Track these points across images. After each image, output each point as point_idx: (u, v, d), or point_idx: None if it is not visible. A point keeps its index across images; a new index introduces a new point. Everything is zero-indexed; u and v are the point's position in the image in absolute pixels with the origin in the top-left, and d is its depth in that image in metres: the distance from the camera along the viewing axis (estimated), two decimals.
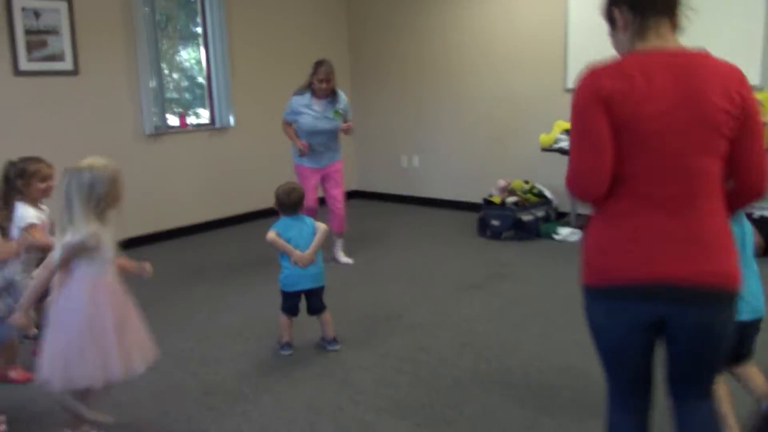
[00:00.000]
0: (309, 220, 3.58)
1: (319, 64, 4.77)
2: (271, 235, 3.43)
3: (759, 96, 4.93)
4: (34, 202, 3.19)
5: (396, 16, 7.08)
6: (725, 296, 1.71)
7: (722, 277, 1.70)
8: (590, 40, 5.76)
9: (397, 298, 4.27)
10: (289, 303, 3.50)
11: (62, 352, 2.38)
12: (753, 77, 5.06)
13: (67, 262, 2.43)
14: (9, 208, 3.15)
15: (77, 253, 2.42)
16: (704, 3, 5.43)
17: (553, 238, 5.62)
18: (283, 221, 3.52)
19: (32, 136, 5.06)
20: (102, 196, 2.49)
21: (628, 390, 1.87)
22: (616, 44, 1.88)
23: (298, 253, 3.42)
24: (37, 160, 3.25)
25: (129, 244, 5.72)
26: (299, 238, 3.46)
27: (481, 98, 6.52)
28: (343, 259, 5.09)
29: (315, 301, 3.53)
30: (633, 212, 1.71)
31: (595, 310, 1.85)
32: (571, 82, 5.91)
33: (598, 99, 1.69)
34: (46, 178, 3.21)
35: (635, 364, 1.82)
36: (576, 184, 1.78)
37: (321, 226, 3.52)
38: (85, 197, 2.43)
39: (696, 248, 1.68)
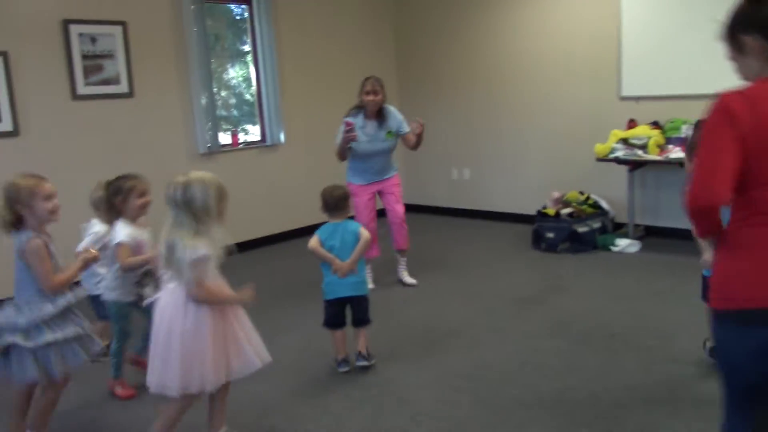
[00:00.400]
0: (353, 225, 3.51)
1: (366, 78, 4.75)
2: (313, 242, 3.42)
3: None
4: (133, 219, 3.24)
5: (444, 27, 7.04)
6: None
7: None
8: (644, 48, 5.66)
9: (454, 314, 4.20)
10: (330, 312, 3.46)
11: (176, 360, 2.47)
12: None
13: (202, 276, 2.52)
14: (112, 227, 3.24)
15: (205, 266, 2.51)
16: None
17: (610, 250, 5.46)
18: (326, 227, 3.47)
19: (90, 158, 5.19)
20: (211, 209, 2.59)
21: (746, 409, 1.86)
22: (744, 69, 1.89)
23: (338, 261, 3.38)
24: (132, 176, 3.31)
25: None
26: (342, 247, 3.41)
27: (534, 107, 6.41)
28: (408, 279, 4.94)
29: (358, 311, 3.48)
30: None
31: (727, 333, 1.83)
32: (626, 89, 5.79)
33: (730, 122, 1.74)
34: (142, 194, 3.27)
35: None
36: (695, 203, 1.76)
37: (364, 234, 3.45)
38: (199, 209, 2.56)
39: None
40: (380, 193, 4.93)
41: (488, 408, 2.96)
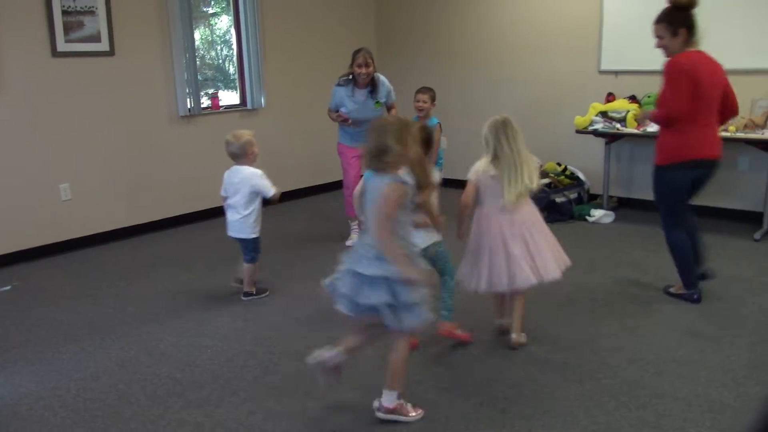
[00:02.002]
0: None
1: (357, 50, 4.91)
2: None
3: None
4: None
5: (424, 2, 7.04)
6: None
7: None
8: (624, 23, 5.78)
9: None
10: None
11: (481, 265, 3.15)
12: None
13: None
14: None
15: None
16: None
17: (586, 220, 5.63)
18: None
19: (70, 116, 5.08)
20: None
21: (680, 216, 3.76)
22: (671, 47, 3.63)
23: None
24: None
25: (164, 225, 5.82)
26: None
27: (515, 79, 6.50)
28: None
29: None
30: (699, 127, 3.59)
31: (676, 174, 3.66)
32: (605, 64, 5.92)
33: (685, 72, 3.49)
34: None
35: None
36: (669, 115, 3.59)
37: None
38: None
39: (717, 142, 3.69)
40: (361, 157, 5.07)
41: (484, 368, 3.08)
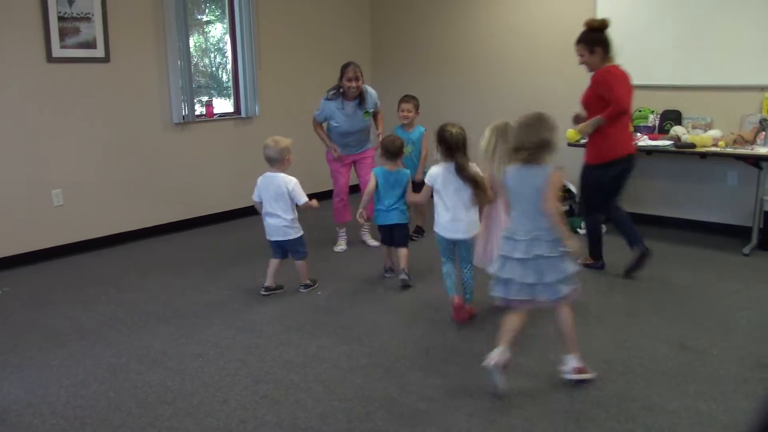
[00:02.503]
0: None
1: (346, 65, 4.99)
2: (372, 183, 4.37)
3: None
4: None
5: (420, 10, 7.08)
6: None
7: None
8: (616, 40, 5.78)
9: (436, 288, 4.31)
10: (381, 234, 4.51)
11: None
12: None
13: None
14: None
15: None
16: (731, 1, 5.48)
17: (577, 232, 5.65)
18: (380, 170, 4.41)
19: (64, 121, 5.08)
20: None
21: (600, 205, 4.51)
22: (591, 63, 4.36)
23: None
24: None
25: (157, 231, 5.81)
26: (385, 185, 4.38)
27: (506, 93, 6.54)
28: (371, 242, 5.36)
29: (398, 237, 4.42)
30: (623, 128, 4.36)
31: (605, 172, 4.33)
32: None
33: (622, 78, 4.26)
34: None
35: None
36: (624, 105, 4.23)
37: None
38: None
39: (633, 139, 4.70)
40: (355, 163, 5.31)
41: (474, 378, 3.09)
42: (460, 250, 3.81)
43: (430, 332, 3.64)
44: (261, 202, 4.20)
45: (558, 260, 2.90)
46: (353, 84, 4.93)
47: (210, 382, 3.10)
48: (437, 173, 3.73)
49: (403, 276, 4.32)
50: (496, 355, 2.91)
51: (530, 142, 2.97)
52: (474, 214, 3.74)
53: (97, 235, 5.37)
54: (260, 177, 4.19)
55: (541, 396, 2.93)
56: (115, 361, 3.34)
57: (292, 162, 4.23)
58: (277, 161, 4.14)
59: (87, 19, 5.09)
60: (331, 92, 5.07)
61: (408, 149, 5.22)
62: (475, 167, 3.65)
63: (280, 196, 4.11)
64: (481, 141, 3.74)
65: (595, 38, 4.30)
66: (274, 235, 4.20)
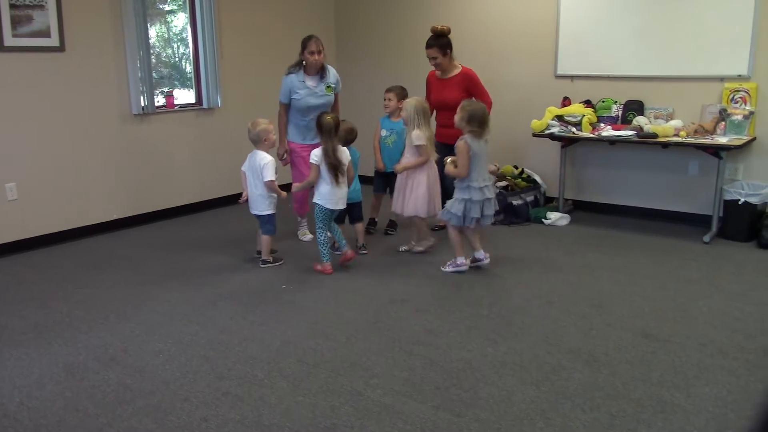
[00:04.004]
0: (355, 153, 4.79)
1: (308, 38, 4.93)
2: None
3: (746, 85, 5.07)
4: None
5: (384, 1, 7.03)
6: None
7: None
8: (579, 30, 5.87)
9: (398, 282, 4.29)
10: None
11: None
12: (740, 67, 5.19)
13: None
14: None
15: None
16: None
17: (542, 223, 5.69)
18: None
19: (17, 113, 4.91)
20: None
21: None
22: (446, 63, 5.08)
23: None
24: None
25: (115, 226, 5.67)
26: None
27: None
28: (305, 237, 5.33)
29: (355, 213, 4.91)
30: None
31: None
32: (561, 68, 6.00)
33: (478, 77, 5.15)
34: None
35: None
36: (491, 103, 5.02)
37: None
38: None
39: None
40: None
41: (439, 371, 3.08)
42: (337, 214, 4.55)
43: (395, 325, 3.61)
44: (245, 175, 4.64)
45: (493, 200, 4.40)
46: (316, 57, 4.86)
47: (171, 380, 3.03)
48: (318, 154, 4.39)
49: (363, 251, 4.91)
50: (462, 262, 4.42)
51: (485, 123, 4.30)
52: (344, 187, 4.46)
53: (53, 230, 5.21)
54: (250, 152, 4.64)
55: (507, 387, 2.93)
56: (72, 360, 3.24)
57: (272, 142, 4.64)
58: (257, 142, 4.58)
59: (40, 6, 4.92)
60: (292, 66, 4.99)
61: (391, 138, 5.17)
62: (345, 152, 4.44)
63: (256, 171, 4.53)
64: (403, 113, 4.74)
65: (445, 42, 5.02)
66: (252, 207, 4.64)
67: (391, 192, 5.21)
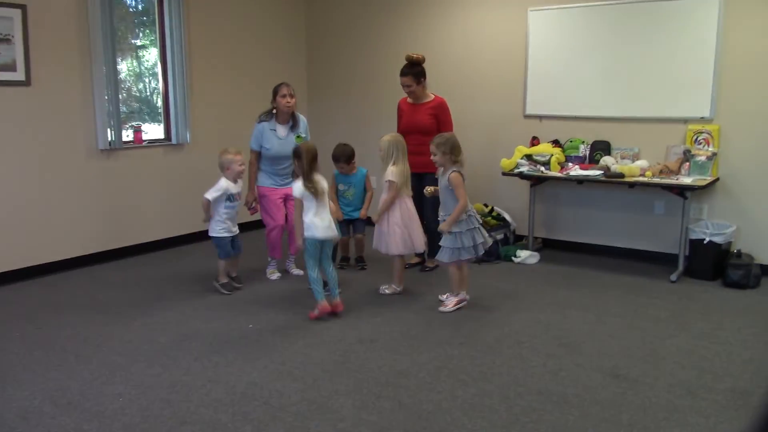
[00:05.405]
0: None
1: (279, 84, 5.01)
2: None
3: (708, 127, 5.19)
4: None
5: (355, 37, 7.10)
6: None
7: None
8: (547, 71, 5.98)
9: (366, 323, 4.23)
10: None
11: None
12: (703, 110, 5.32)
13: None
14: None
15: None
16: (657, 36, 5.74)
17: (512, 261, 5.70)
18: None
19: None
20: None
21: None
22: (419, 91, 5.23)
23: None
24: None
25: (79, 263, 5.53)
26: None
27: None
28: (295, 271, 5.32)
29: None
30: None
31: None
32: (530, 108, 6.09)
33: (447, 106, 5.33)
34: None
35: None
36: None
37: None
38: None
39: None
40: (285, 198, 5.11)
41: (408, 413, 3.02)
42: (325, 249, 4.36)
43: (364, 366, 3.55)
44: None
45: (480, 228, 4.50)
46: (288, 100, 4.92)
47: (130, 425, 2.92)
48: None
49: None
50: (464, 297, 4.50)
51: (457, 147, 4.39)
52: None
53: (13, 267, 5.06)
54: None
55: (477, 430, 2.88)
56: (27, 404, 3.11)
57: (236, 172, 4.72)
58: (221, 170, 4.74)
59: (6, 40, 4.86)
60: (263, 114, 5.04)
61: (350, 192, 5.34)
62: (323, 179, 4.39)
63: None
64: (380, 151, 4.73)
65: (420, 71, 5.16)
66: None
67: (355, 231, 5.33)
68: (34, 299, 4.69)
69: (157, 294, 4.81)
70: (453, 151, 4.34)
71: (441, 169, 4.45)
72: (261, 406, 3.09)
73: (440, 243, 4.46)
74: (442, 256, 4.44)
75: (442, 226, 4.40)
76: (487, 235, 4.55)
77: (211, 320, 4.25)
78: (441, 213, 4.47)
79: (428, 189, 4.57)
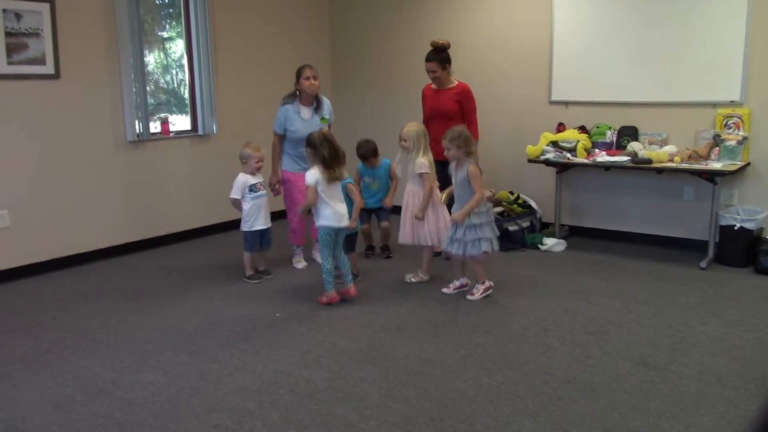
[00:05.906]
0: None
1: (302, 66, 5.00)
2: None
3: (739, 111, 5.08)
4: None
5: (380, 24, 7.08)
6: None
7: None
8: (573, 56, 5.90)
9: (392, 311, 4.24)
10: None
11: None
12: (733, 93, 5.20)
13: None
14: None
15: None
16: (685, 18, 5.61)
17: (539, 248, 5.66)
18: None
19: (11, 140, 4.90)
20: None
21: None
22: (444, 77, 5.20)
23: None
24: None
25: (108, 254, 5.63)
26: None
27: None
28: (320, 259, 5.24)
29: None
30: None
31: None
32: (555, 94, 6.02)
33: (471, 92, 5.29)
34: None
35: None
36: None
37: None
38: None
39: None
40: None
41: (434, 402, 3.03)
42: (341, 237, 4.39)
43: (389, 354, 3.56)
44: None
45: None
46: (311, 82, 4.91)
47: (160, 412, 2.97)
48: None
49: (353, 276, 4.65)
50: (489, 284, 4.49)
51: (467, 139, 4.35)
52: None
53: (45, 258, 5.17)
54: None
55: (503, 418, 2.88)
56: (60, 392, 3.18)
57: (252, 167, 4.78)
58: (242, 164, 4.82)
59: (36, 35, 4.94)
60: (287, 97, 5.04)
61: (376, 184, 5.34)
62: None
63: None
64: (406, 142, 4.71)
65: (445, 57, 5.15)
66: None
67: (380, 220, 5.33)
68: (66, 289, 4.79)
69: (185, 283, 4.88)
70: (467, 144, 4.31)
71: (454, 163, 4.41)
72: (288, 394, 3.12)
73: (467, 238, 4.34)
74: (474, 251, 4.33)
75: (455, 216, 4.36)
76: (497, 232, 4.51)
77: (238, 309, 4.30)
78: (456, 206, 4.43)
79: (443, 196, 4.54)
